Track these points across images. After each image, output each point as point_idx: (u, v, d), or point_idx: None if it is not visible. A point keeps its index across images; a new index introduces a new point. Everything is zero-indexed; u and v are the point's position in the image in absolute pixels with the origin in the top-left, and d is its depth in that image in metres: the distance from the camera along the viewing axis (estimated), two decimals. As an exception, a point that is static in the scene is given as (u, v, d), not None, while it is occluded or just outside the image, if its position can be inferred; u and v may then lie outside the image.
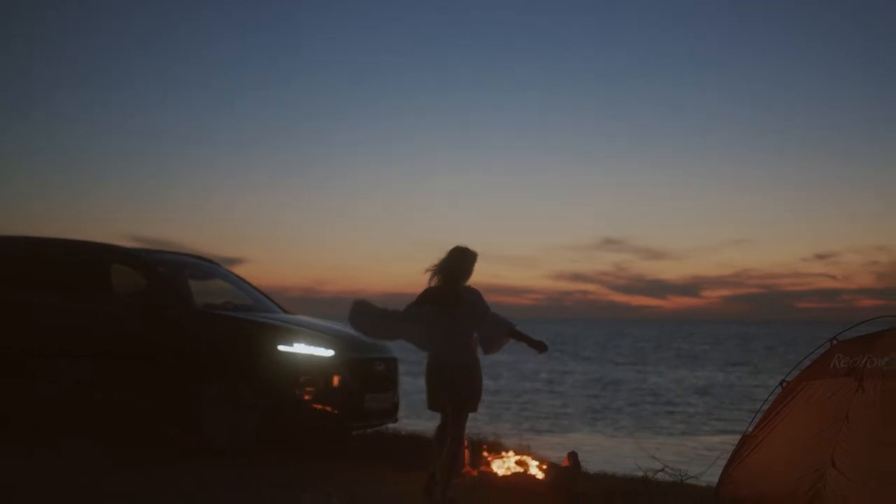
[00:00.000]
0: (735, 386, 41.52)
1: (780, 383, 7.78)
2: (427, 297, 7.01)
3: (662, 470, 8.37)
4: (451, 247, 7.09)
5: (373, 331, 7.29)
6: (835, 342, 7.59)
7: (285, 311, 10.38)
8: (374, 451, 9.24)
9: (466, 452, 8.06)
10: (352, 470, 8.42)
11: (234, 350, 8.91)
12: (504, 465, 8.19)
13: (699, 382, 43.13)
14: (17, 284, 9.69)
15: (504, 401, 31.57)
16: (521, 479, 7.94)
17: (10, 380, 9.41)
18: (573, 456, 8.01)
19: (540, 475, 7.99)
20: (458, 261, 7.04)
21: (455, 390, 6.91)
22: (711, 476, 8.04)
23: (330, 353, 8.92)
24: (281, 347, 8.82)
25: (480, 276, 7.18)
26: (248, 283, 10.87)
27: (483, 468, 8.17)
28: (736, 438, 8.12)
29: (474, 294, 7.07)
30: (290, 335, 8.98)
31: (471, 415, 7.09)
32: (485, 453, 8.49)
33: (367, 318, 7.12)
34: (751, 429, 7.76)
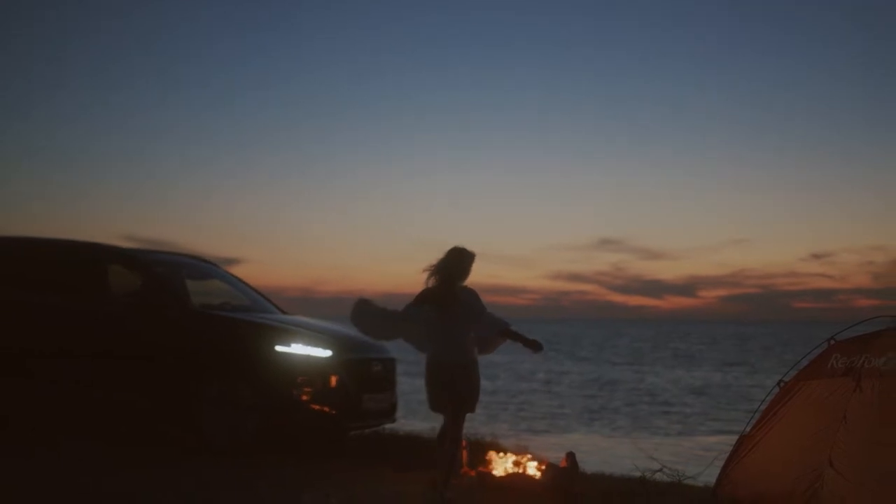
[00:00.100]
0: (732, 386, 41.53)
1: (778, 383, 7.80)
2: (425, 297, 7.03)
3: (660, 470, 8.38)
4: (449, 247, 7.11)
5: (373, 331, 7.32)
6: (832, 342, 7.61)
7: (283, 312, 10.39)
8: (373, 452, 9.25)
9: (465, 453, 8.08)
10: (350, 470, 8.43)
11: (232, 351, 8.92)
12: (502, 466, 8.21)
13: (696, 382, 43.14)
14: (16, 284, 9.70)
15: (501, 401, 31.54)
16: (518, 480, 7.95)
17: (10, 380, 9.43)
18: (571, 456, 8.02)
19: (538, 476, 8.00)
20: (456, 261, 7.06)
21: (455, 391, 6.93)
22: (709, 476, 8.05)
23: (328, 353, 8.93)
24: (278, 348, 8.83)
25: (478, 275, 7.20)
26: (246, 284, 10.87)
27: (481, 469, 8.18)
28: (733, 439, 8.14)
29: (471, 294, 7.09)
30: (287, 336, 8.99)
31: (468, 415, 7.12)
32: (483, 454, 8.50)
33: (369, 317, 7.14)
34: (748, 429, 7.78)
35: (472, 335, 7.04)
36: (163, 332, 9.14)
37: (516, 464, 8.22)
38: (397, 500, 7.39)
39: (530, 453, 8.53)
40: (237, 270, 11.34)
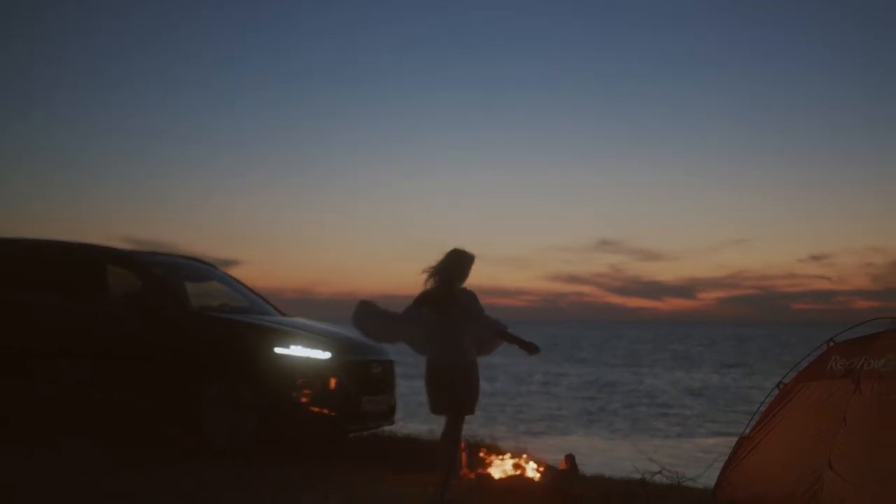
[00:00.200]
0: (731, 388, 41.56)
1: (777, 385, 7.80)
2: (424, 299, 7.04)
3: (660, 472, 8.39)
4: (447, 248, 7.11)
5: (375, 333, 7.32)
6: (832, 344, 7.61)
7: (282, 314, 10.39)
8: (372, 454, 9.26)
9: (464, 455, 8.08)
10: (350, 471, 8.43)
11: (231, 352, 8.92)
12: (501, 468, 8.21)
13: (695, 384, 43.17)
14: (16, 285, 9.72)
15: (499, 403, 31.57)
16: (518, 482, 7.94)
17: (10, 380, 9.43)
18: (570, 458, 8.02)
19: (537, 478, 8.01)
20: (455, 263, 7.07)
21: (454, 393, 6.93)
22: (709, 479, 8.05)
23: (327, 355, 8.92)
24: (277, 350, 8.83)
25: (476, 277, 7.20)
26: (244, 285, 10.88)
27: (480, 471, 8.18)
28: (732, 440, 8.14)
29: (469, 296, 7.09)
30: (286, 337, 8.99)
31: (468, 417, 7.13)
32: (482, 455, 8.50)
33: (371, 319, 7.14)
34: (748, 431, 7.78)
35: (471, 337, 7.04)
36: (162, 333, 9.14)
37: (515, 466, 8.22)
38: (397, 501, 7.39)
39: (529, 455, 8.53)
40: (236, 272, 11.36)
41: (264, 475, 8.00)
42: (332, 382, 8.89)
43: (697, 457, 17.10)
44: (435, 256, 7.10)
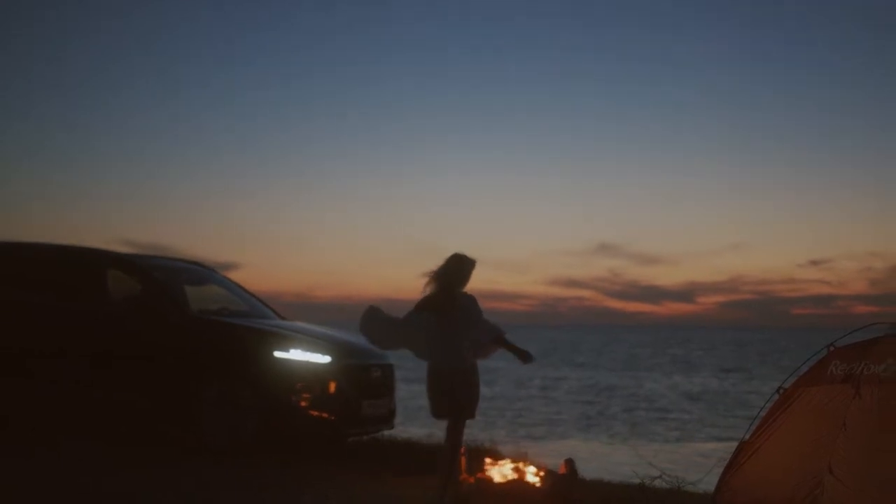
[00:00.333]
0: (729, 392, 41.57)
1: (777, 390, 7.80)
2: (425, 304, 7.04)
3: (659, 477, 8.40)
4: (447, 251, 7.13)
5: (381, 340, 7.29)
6: (832, 349, 7.62)
7: (281, 317, 10.40)
8: (371, 457, 9.25)
9: (464, 459, 8.08)
10: (350, 472, 8.44)
11: (231, 356, 8.93)
12: (501, 472, 8.21)
13: (694, 389, 43.19)
14: (18, 286, 9.75)
15: (499, 407, 31.58)
16: (517, 487, 7.94)
17: (10, 380, 9.45)
18: (570, 463, 8.02)
19: (537, 482, 8.00)
20: (456, 268, 7.07)
21: (455, 398, 6.94)
22: (708, 484, 8.06)
23: (326, 359, 8.92)
24: (277, 354, 8.83)
25: (475, 281, 7.21)
26: (244, 289, 10.88)
27: (480, 475, 8.18)
28: (731, 445, 8.15)
29: (469, 300, 7.10)
30: (286, 341, 8.99)
31: (468, 421, 7.14)
32: (482, 460, 8.50)
33: (377, 324, 7.13)
34: (748, 436, 7.77)
35: (470, 341, 7.05)
36: (162, 337, 9.15)
37: (515, 470, 8.22)
38: (397, 502, 7.41)
39: (529, 460, 8.53)
40: (235, 275, 11.33)
41: (264, 475, 8.00)
42: (332, 386, 8.89)
43: (696, 461, 17.12)
44: (434, 260, 7.11)
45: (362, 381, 9.17)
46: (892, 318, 7.58)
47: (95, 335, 9.34)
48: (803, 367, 7.80)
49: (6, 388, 9.45)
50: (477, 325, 7.06)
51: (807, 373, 7.64)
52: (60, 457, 8.27)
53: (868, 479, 6.72)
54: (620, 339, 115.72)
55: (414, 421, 16.37)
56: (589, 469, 10.52)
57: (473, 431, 9.54)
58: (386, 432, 10.04)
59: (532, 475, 8.10)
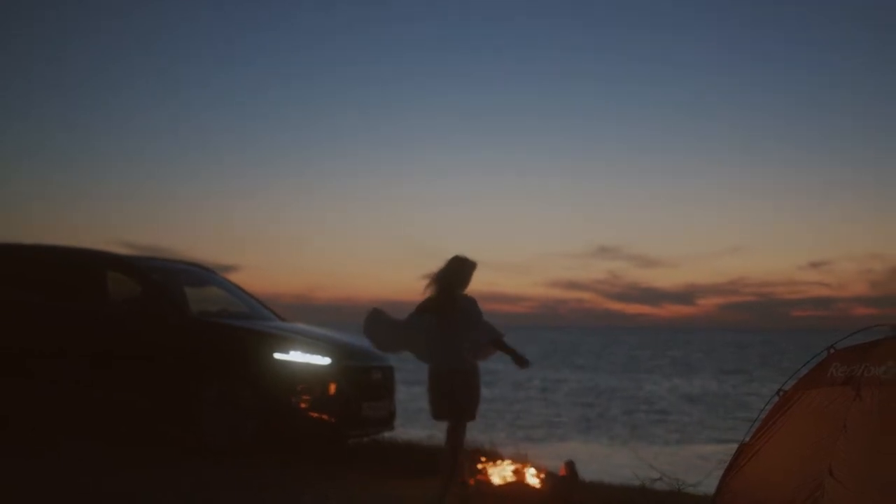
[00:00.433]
0: (729, 394, 41.58)
1: (777, 392, 7.80)
2: (426, 306, 7.05)
3: (660, 479, 8.40)
4: (447, 253, 7.16)
5: (385, 343, 7.30)
6: (832, 351, 7.62)
7: (281, 319, 10.40)
8: (371, 458, 9.25)
9: (464, 461, 8.07)
10: (350, 473, 8.45)
11: (231, 358, 8.93)
12: (501, 474, 8.21)
13: (694, 391, 43.19)
14: (19, 287, 9.76)
15: (498, 409, 31.57)
16: (517, 489, 7.94)
17: (10, 380, 9.45)
18: (570, 465, 8.03)
19: (537, 484, 8.00)
20: (456, 270, 7.09)
21: (455, 400, 6.95)
22: (708, 486, 8.06)
23: (326, 361, 8.93)
24: (277, 355, 8.83)
25: (475, 283, 7.22)
26: (244, 291, 10.89)
27: (480, 477, 8.18)
28: (731, 447, 8.14)
29: (469, 301, 7.11)
30: (286, 343, 8.99)
31: (468, 423, 7.15)
32: (482, 462, 8.50)
33: (380, 326, 7.14)
34: (748, 438, 7.77)
35: (470, 343, 7.05)
36: (161, 338, 9.16)
37: (515, 472, 8.21)
38: (397, 503, 7.41)
39: (529, 462, 8.53)
40: (234, 277, 11.34)
41: (264, 475, 8.01)
42: (332, 388, 8.89)
43: (696, 464, 17.11)
44: (434, 262, 7.13)
45: (362, 383, 9.17)
46: (892, 319, 7.58)
47: (95, 336, 9.35)
48: (803, 369, 7.79)
49: (6, 388, 9.45)
50: (477, 326, 7.07)
51: (807, 375, 7.64)
52: (60, 457, 8.28)
53: (869, 482, 6.72)
54: (620, 341, 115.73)
55: (414, 423, 16.34)
56: (589, 471, 10.51)
57: (473, 433, 9.55)
58: (386, 434, 10.04)
59: (532, 477, 8.10)
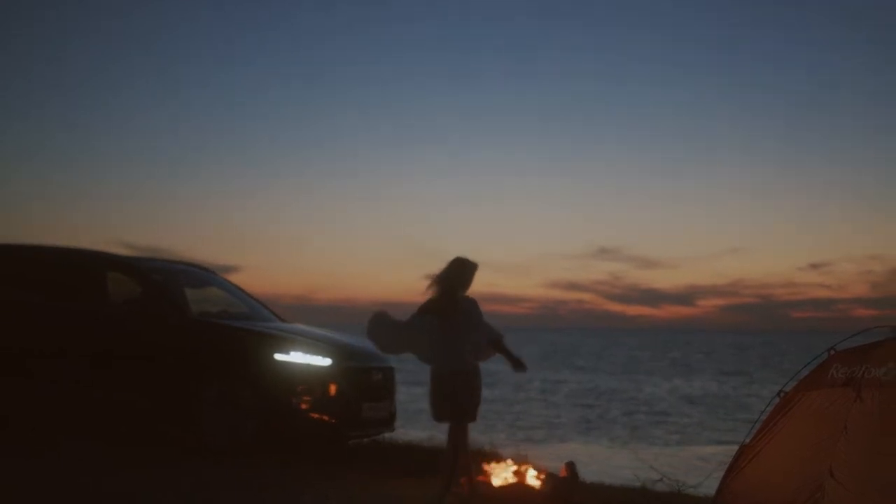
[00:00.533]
0: (729, 396, 41.56)
1: (778, 393, 7.80)
2: (427, 308, 7.05)
3: (660, 480, 8.39)
4: (447, 254, 7.17)
5: (386, 344, 7.29)
6: (832, 352, 7.62)
7: (281, 320, 10.40)
8: (372, 459, 9.26)
9: (466, 461, 8.06)
10: (350, 473, 8.45)
11: (231, 358, 8.93)
12: (501, 475, 8.20)
13: (694, 392, 43.17)
14: (19, 287, 9.77)
15: (498, 410, 31.55)
16: (518, 490, 7.93)
17: (10, 380, 9.45)
18: (571, 466, 8.01)
19: (537, 485, 7.99)
20: (458, 272, 7.09)
21: (456, 401, 6.96)
22: (709, 487, 8.06)
23: (327, 361, 8.92)
24: (278, 356, 8.83)
25: (476, 284, 7.23)
26: (244, 291, 10.89)
27: (480, 478, 8.17)
28: (731, 449, 8.15)
29: (470, 303, 7.11)
30: (287, 344, 8.99)
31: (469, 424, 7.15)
32: (482, 463, 8.49)
33: (384, 329, 7.14)
34: (748, 439, 7.78)
35: (472, 344, 7.05)
36: (162, 338, 9.16)
37: (516, 473, 8.21)
38: (397, 503, 7.41)
39: (530, 463, 8.53)
40: (235, 278, 11.34)
41: (264, 475, 8.01)
42: (333, 389, 8.89)
43: (696, 465, 17.12)
44: (434, 262, 7.15)
45: (363, 384, 9.17)
46: (892, 321, 7.57)
47: (96, 336, 9.35)
48: (804, 370, 7.80)
49: (6, 388, 9.45)
50: (477, 327, 7.07)
51: (808, 376, 7.64)
52: (60, 457, 8.28)
53: (869, 483, 6.72)
54: (620, 343, 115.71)
55: (414, 424, 16.34)
56: (589, 472, 10.50)
57: (473, 434, 9.55)
58: (386, 435, 10.04)
59: (533, 478, 8.09)
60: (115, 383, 9.16)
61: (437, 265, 7.12)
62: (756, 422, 7.87)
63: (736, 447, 7.88)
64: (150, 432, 9.48)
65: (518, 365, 7.14)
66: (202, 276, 10.76)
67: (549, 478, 8.03)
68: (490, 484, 8.03)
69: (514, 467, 8.28)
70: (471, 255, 7.19)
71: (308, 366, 8.85)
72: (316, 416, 8.79)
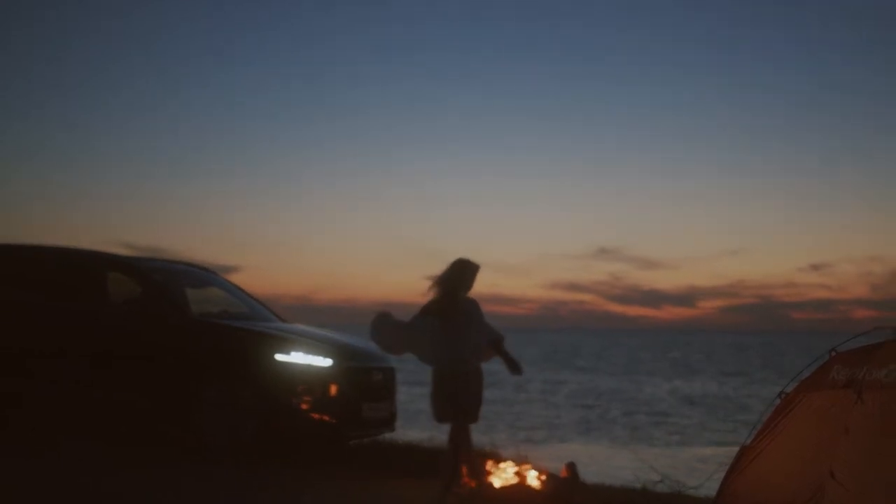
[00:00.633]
0: (730, 397, 41.55)
1: (779, 394, 7.81)
2: (429, 309, 7.06)
3: (661, 481, 8.39)
4: (447, 255, 7.20)
5: (388, 345, 7.30)
6: (833, 353, 7.62)
7: (282, 320, 10.40)
8: (372, 459, 9.26)
9: (467, 462, 8.06)
10: (350, 473, 8.46)
11: (231, 359, 8.93)
12: (502, 476, 8.19)
13: (694, 393, 43.17)
14: (19, 287, 9.77)
15: (499, 411, 31.56)
16: (518, 491, 7.92)
17: (10, 380, 9.44)
18: (572, 467, 8.01)
19: (538, 486, 7.99)
20: (459, 273, 7.10)
21: (457, 402, 6.96)
22: (709, 488, 8.06)
23: (328, 362, 8.92)
24: (278, 356, 8.83)
25: (476, 284, 7.23)
26: (245, 292, 10.88)
27: (481, 479, 8.16)
28: (731, 449, 8.15)
29: (472, 304, 7.12)
30: (287, 344, 8.99)
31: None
32: (483, 464, 8.48)
33: (386, 330, 7.14)
34: (749, 440, 7.78)
35: (473, 345, 7.05)
36: (162, 338, 9.15)
37: (516, 474, 8.20)
38: (397, 503, 7.40)
39: (530, 463, 8.52)
40: (235, 278, 11.34)
41: (264, 476, 8.00)
42: (333, 389, 8.89)
43: (696, 466, 17.11)
44: (434, 263, 7.15)
45: (363, 384, 9.16)
46: (893, 322, 7.56)
47: (96, 336, 9.34)
48: (805, 371, 7.80)
49: (6, 388, 9.45)
50: (479, 329, 7.07)
51: (808, 378, 7.64)
52: (60, 457, 8.28)
53: (870, 484, 6.71)
54: (621, 343, 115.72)
55: (415, 424, 16.34)
56: (590, 473, 10.49)
57: (474, 434, 9.55)
58: (387, 435, 10.04)
59: (533, 478, 8.08)
60: (116, 383, 9.15)
61: (438, 266, 7.15)
62: (757, 423, 7.87)
63: (736, 448, 7.88)
64: (150, 432, 9.48)
65: (514, 368, 7.16)
66: (202, 276, 10.75)
67: (550, 478, 8.02)
68: (491, 484, 8.03)
69: (515, 468, 8.28)
70: (472, 256, 7.19)
71: (308, 366, 8.85)
72: (316, 416, 8.79)
